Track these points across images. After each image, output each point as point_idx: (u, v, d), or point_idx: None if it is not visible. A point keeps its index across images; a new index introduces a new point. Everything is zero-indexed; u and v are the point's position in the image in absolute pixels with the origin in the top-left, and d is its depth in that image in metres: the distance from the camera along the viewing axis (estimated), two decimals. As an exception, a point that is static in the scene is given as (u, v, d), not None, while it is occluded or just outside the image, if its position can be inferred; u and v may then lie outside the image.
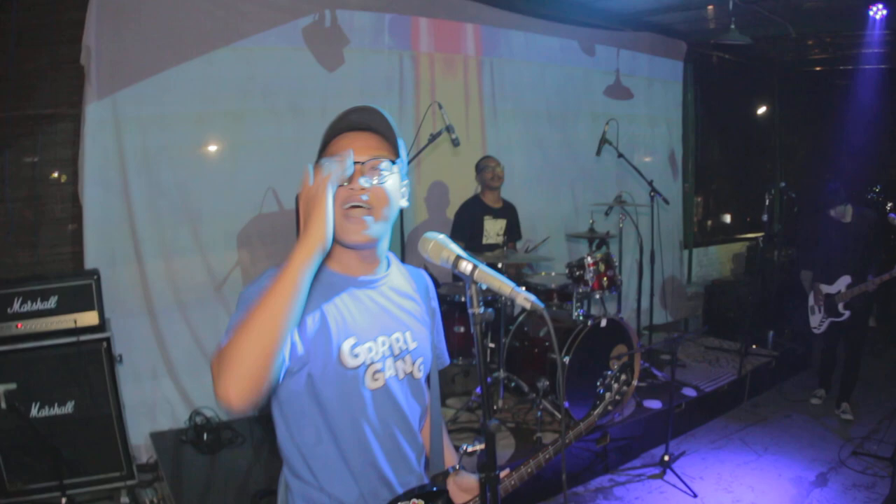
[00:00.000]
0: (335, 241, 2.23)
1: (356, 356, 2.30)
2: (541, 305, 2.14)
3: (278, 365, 1.93)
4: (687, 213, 11.26)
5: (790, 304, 9.33)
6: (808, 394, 8.21)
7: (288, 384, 2.24)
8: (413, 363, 2.48)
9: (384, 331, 2.41)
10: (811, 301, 7.83)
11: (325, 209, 1.99)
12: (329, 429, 2.30)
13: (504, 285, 2.15)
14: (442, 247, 2.23)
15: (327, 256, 2.23)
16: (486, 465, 2.27)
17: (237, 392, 1.84)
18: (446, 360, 2.73)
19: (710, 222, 12.34)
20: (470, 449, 2.45)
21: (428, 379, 2.58)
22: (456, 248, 2.22)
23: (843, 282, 7.52)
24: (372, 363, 2.34)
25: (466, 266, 2.17)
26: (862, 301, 7.51)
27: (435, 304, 2.70)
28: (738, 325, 9.46)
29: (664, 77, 10.60)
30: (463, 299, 6.70)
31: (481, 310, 2.19)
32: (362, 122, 2.36)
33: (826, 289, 7.64)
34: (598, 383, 5.15)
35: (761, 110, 13.01)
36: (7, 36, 5.82)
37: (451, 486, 2.68)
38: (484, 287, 2.18)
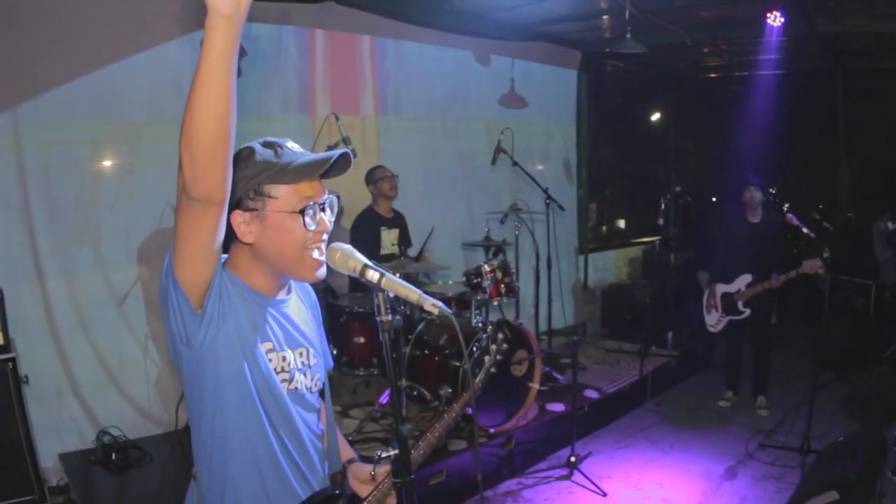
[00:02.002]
0: (267, 262, 2.35)
1: (270, 360, 2.36)
2: (448, 311, 2.22)
3: (233, 135, 1.95)
4: (581, 219, 11.45)
5: (688, 304, 9.59)
6: (715, 395, 8.35)
7: (207, 370, 2.25)
8: (313, 378, 2.55)
9: (293, 345, 2.47)
10: (705, 301, 8.03)
11: None
12: (247, 422, 2.33)
13: (411, 292, 2.23)
14: (349, 256, 2.31)
15: (245, 273, 2.36)
16: (400, 469, 2.34)
17: (199, 166, 1.93)
18: (330, 363, 2.77)
19: (605, 228, 12.57)
20: (384, 455, 2.44)
21: (322, 389, 2.64)
22: (362, 258, 2.31)
23: (742, 280, 7.71)
24: (282, 371, 2.40)
25: (374, 275, 2.25)
26: (763, 299, 7.74)
27: (318, 312, 2.78)
28: (637, 327, 9.70)
29: (558, 86, 10.80)
30: (362, 310, 6.77)
31: (389, 317, 2.27)
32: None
33: (724, 288, 7.82)
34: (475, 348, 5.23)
35: (656, 117, 13.32)
36: None
37: (352, 481, 2.75)
38: (391, 295, 2.26)
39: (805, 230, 7.20)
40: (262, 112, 7.49)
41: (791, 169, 12.77)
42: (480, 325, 6.65)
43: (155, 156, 6.65)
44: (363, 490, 2.72)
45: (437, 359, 6.50)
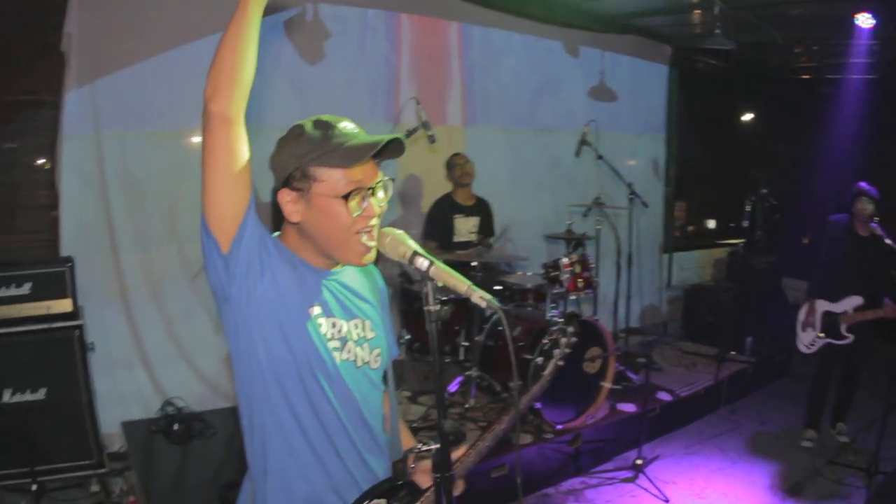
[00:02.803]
0: (314, 242, 2.32)
1: (320, 325, 2.32)
2: (497, 304, 2.15)
3: (250, 72, 2.16)
4: (667, 217, 11.24)
5: (770, 311, 9.32)
6: (796, 434, 7.38)
7: (258, 343, 2.22)
8: (371, 352, 2.48)
9: (348, 316, 2.42)
10: (801, 316, 7.15)
11: None
12: (298, 400, 2.29)
13: (460, 283, 2.16)
14: (399, 242, 2.25)
15: (295, 248, 2.36)
16: (440, 465, 2.27)
17: (218, 83, 2.10)
18: (395, 351, 2.71)
19: (691, 227, 12.34)
20: (424, 449, 2.41)
21: (384, 371, 2.57)
22: (413, 244, 2.24)
23: (850, 302, 6.84)
24: (333, 338, 2.34)
25: (422, 262, 2.18)
26: (869, 326, 6.86)
27: (385, 297, 2.71)
28: (717, 330, 9.43)
29: (649, 80, 10.57)
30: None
31: (437, 307, 2.20)
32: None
33: (827, 306, 6.97)
34: (545, 340, 5.11)
35: (746, 116, 13.02)
36: (-13, 22, 5.81)
37: (413, 470, 2.63)
38: (440, 284, 2.19)
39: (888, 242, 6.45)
40: (343, 94, 7.49)
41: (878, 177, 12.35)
42: (555, 319, 6.52)
43: None
44: (424, 481, 2.61)
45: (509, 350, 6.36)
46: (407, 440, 2.77)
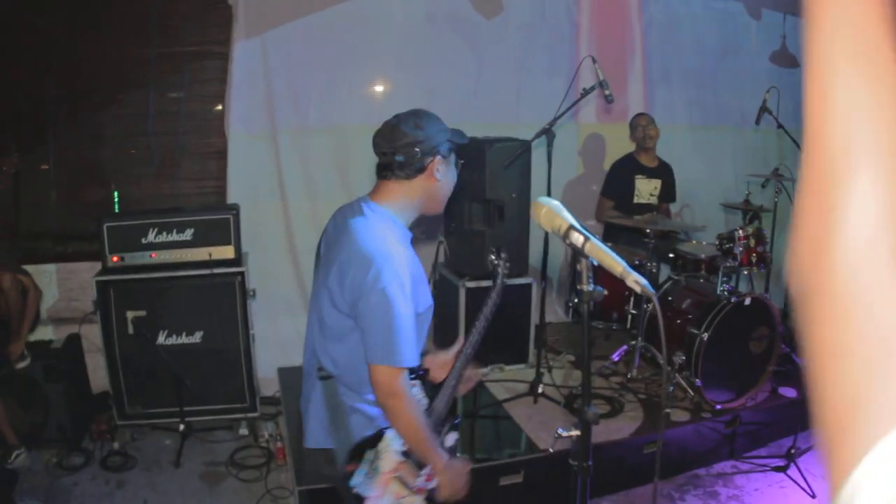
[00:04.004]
0: (433, 201, 3.05)
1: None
2: (651, 291, 2.08)
3: None
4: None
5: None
6: None
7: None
8: None
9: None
10: None
11: None
12: None
13: (616, 264, 2.09)
14: (555, 214, 2.21)
15: (400, 209, 2.99)
16: (579, 453, 2.27)
17: None
18: None
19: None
20: (564, 434, 2.39)
21: None
22: (569, 217, 2.19)
23: None
24: None
25: (578, 238, 2.13)
26: None
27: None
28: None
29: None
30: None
31: (591, 287, 2.11)
32: None
33: None
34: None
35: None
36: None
37: (431, 364, 3.16)
38: (595, 262, 2.14)
39: None
40: (519, 51, 7.37)
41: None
42: (726, 293, 6.25)
43: (416, 84, 6.76)
44: (439, 374, 3.11)
45: (677, 322, 6.21)
46: None
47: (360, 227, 2.89)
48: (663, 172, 7.47)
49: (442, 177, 2.95)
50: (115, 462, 5.41)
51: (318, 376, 3.02)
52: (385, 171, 2.95)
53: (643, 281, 2.06)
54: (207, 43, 6.25)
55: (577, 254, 2.13)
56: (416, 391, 2.96)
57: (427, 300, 2.93)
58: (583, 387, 2.24)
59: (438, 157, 2.90)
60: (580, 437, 2.26)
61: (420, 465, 2.81)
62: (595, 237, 2.12)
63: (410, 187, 2.93)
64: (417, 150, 2.85)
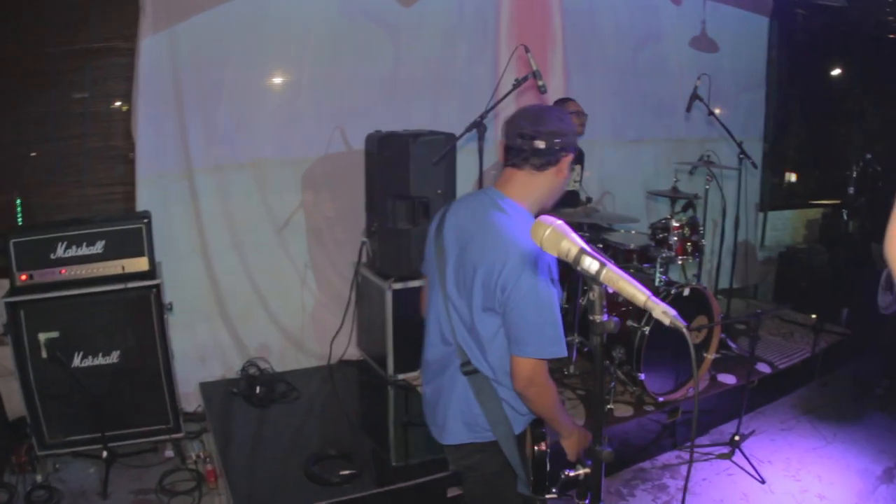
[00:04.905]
0: (551, 195, 3.07)
1: None
2: (683, 323, 1.80)
3: None
4: (765, 174, 10.80)
5: (862, 277, 8.89)
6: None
7: None
8: None
9: None
10: (883, 280, 7.09)
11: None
12: None
13: (638, 293, 1.83)
14: (561, 236, 1.92)
15: (530, 202, 3.01)
16: (587, 493, 2.17)
17: None
18: None
19: (786, 184, 11.84)
20: (571, 474, 2.29)
21: None
22: (577, 240, 1.90)
23: None
24: None
25: (591, 264, 1.85)
26: None
27: None
28: (810, 295, 9.08)
29: (749, 31, 10.06)
30: None
31: (605, 318, 1.86)
32: None
33: None
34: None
35: (842, 75, 12.37)
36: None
37: None
38: (611, 290, 1.86)
39: None
40: (441, 42, 7.20)
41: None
42: (664, 285, 6.23)
43: (321, 79, 6.52)
44: None
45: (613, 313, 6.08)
46: None
47: (505, 224, 2.87)
48: (580, 158, 7.44)
49: (566, 176, 2.99)
50: (41, 497, 5.08)
51: (463, 371, 2.99)
52: (518, 157, 2.93)
53: (672, 312, 1.82)
54: (112, 38, 5.93)
55: (590, 281, 1.89)
56: None
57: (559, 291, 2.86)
58: (595, 424, 2.01)
59: (571, 155, 2.95)
60: (591, 475, 2.20)
61: None
62: (611, 261, 1.88)
63: (540, 180, 2.95)
64: (558, 140, 2.87)
